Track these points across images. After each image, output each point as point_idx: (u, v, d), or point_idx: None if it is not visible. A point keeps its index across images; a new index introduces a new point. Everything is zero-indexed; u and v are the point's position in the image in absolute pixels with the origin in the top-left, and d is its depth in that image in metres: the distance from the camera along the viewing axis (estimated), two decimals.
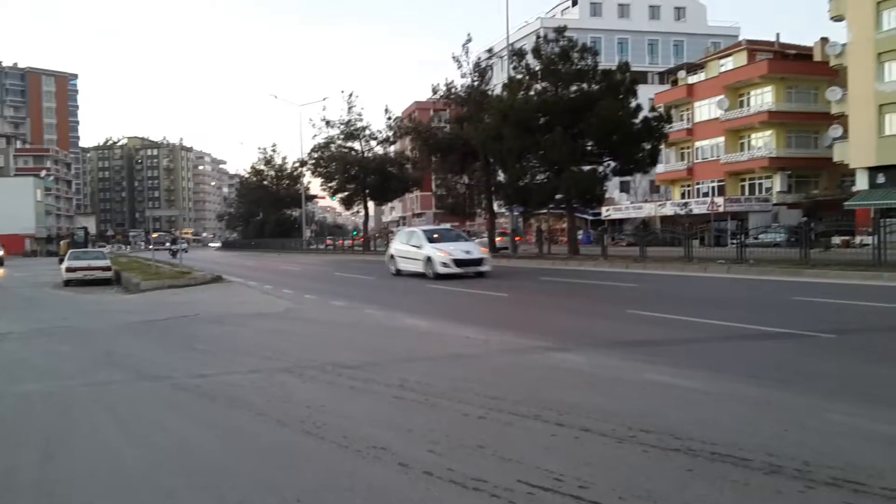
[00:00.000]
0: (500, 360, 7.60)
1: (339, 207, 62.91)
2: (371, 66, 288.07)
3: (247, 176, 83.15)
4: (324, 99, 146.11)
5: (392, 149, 56.30)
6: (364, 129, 52.92)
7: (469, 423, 4.95)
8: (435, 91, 39.53)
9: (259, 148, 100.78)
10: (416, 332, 9.90)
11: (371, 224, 72.99)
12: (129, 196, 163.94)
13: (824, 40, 47.58)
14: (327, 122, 52.76)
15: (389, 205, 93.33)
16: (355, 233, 67.71)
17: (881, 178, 39.31)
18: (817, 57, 49.30)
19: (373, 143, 53.32)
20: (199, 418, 5.52)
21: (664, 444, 4.29)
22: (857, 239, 25.85)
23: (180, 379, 6.93)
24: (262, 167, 77.34)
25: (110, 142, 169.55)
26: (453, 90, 38.68)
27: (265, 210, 76.71)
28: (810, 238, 20.58)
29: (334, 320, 11.73)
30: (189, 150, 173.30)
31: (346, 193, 54.94)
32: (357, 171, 52.33)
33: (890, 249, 18.28)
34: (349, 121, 52.61)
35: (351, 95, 52.72)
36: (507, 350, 8.15)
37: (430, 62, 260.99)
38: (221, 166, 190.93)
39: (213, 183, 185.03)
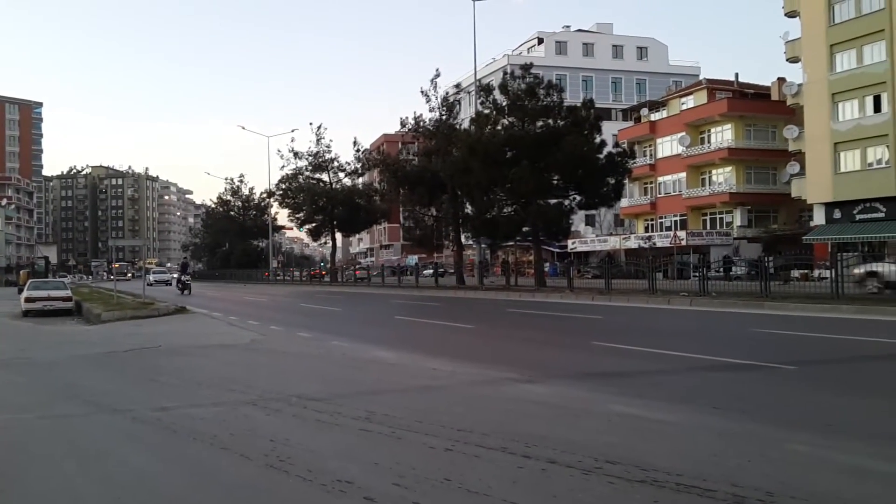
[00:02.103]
0: (467, 392, 7.58)
1: (306, 238, 62.52)
2: (340, 98, 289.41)
3: (213, 206, 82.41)
4: (292, 130, 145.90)
5: (360, 181, 56.45)
6: (333, 160, 53.04)
7: (435, 455, 4.91)
8: (403, 124, 39.88)
9: (226, 178, 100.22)
10: (384, 363, 9.84)
11: (339, 255, 72.67)
12: (93, 225, 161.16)
13: (781, 80, 49.16)
14: (296, 154, 52.79)
15: (357, 236, 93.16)
16: (323, 264, 67.35)
17: (837, 214, 40.45)
18: (775, 96, 50.88)
19: (341, 174, 53.44)
20: (159, 452, 5.40)
21: (630, 475, 4.31)
22: (816, 272, 26.46)
23: (141, 412, 6.78)
24: (229, 197, 76.83)
25: (74, 170, 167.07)
26: (422, 123, 39.07)
27: (231, 240, 76.00)
28: (769, 271, 21.00)
29: (300, 352, 11.61)
30: (154, 179, 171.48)
31: (314, 224, 54.77)
32: (325, 202, 52.27)
33: (847, 283, 18.75)
34: (318, 152, 52.70)
35: (320, 127, 52.93)
36: (474, 382, 8.13)
37: (400, 96, 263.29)
38: (187, 196, 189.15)
39: (178, 213, 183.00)
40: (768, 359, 9.05)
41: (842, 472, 4.41)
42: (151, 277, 56.16)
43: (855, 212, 39.39)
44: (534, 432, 5.45)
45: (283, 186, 54.95)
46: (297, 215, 55.10)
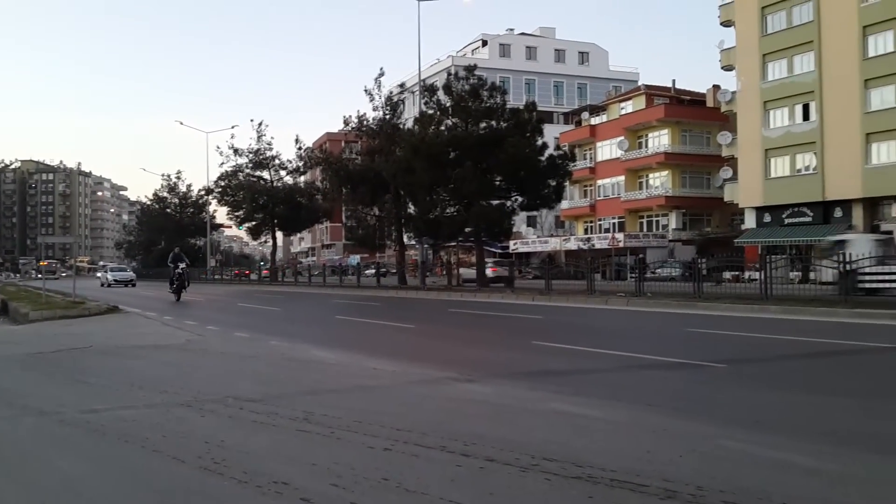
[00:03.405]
0: (406, 392, 7.57)
1: (246, 237, 61.44)
2: (283, 96, 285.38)
3: (148, 203, 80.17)
4: (232, 127, 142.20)
5: (302, 179, 55.78)
6: (274, 158, 52.26)
7: (374, 455, 4.89)
8: (347, 123, 39.61)
9: (163, 174, 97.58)
10: (323, 363, 9.74)
11: (279, 254, 71.59)
12: (21, 222, 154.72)
13: (716, 87, 50.72)
14: (235, 151, 51.82)
15: (298, 235, 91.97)
16: (263, 263, 66.29)
17: (767, 217, 42.00)
18: (710, 103, 52.45)
19: (282, 172, 52.70)
20: (88, 456, 5.22)
21: (566, 472, 4.37)
22: (746, 274, 27.42)
23: (70, 414, 6.54)
24: (166, 194, 74.89)
25: (2, 164, 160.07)
26: (365, 122, 38.87)
27: (167, 238, 73.98)
28: (702, 273, 21.64)
29: (237, 352, 11.39)
30: (87, 175, 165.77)
31: (254, 223, 53.85)
32: (265, 200, 51.47)
33: (775, 284, 19.47)
34: (258, 149, 51.85)
35: (261, 124, 52.09)
36: (413, 381, 8.13)
37: (344, 94, 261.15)
38: (122, 193, 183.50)
39: (112, 210, 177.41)
40: (700, 357, 9.32)
41: (768, 466, 4.56)
42: (110, 277, 49.80)
43: (784, 216, 40.96)
44: (473, 431, 5.47)
45: (223, 184, 53.88)
46: (236, 213, 54.10)
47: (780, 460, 4.67)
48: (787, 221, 40.73)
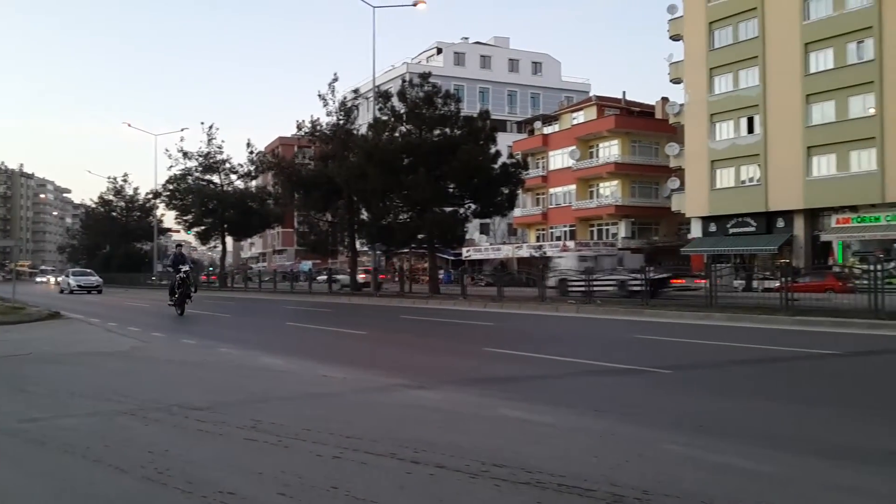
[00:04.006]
0: (357, 399, 7.52)
1: (194, 242, 60.31)
2: (235, 100, 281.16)
3: (94, 206, 78.03)
4: (182, 129, 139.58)
5: (254, 183, 55.03)
6: (224, 161, 51.44)
7: (323, 463, 4.84)
8: (300, 127, 39.29)
9: (109, 177, 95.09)
10: (273, 371, 9.61)
11: (229, 260, 70.46)
12: None
13: (665, 100, 51.94)
14: (185, 154, 50.84)
15: (249, 241, 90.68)
16: (212, 269, 65.11)
17: (713, 227, 43.08)
18: (658, 115, 53.71)
19: (233, 176, 51.90)
20: (25, 466, 5.04)
21: (515, 477, 4.40)
22: (693, 282, 28.04)
23: (6, 423, 6.31)
24: (111, 197, 73.04)
25: None
26: (319, 127, 38.60)
27: (113, 243, 72.20)
28: (648, 281, 22.04)
29: (184, 359, 11.16)
30: (29, 176, 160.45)
31: (203, 228, 52.88)
32: (215, 204, 50.59)
33: (720, 292, 19.98)
34: (209, 153, 50.98)
35: (211, 127, 51.22)
36: (364, 388, 8.09)
37: (297, 99, 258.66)
38: (66, 195, 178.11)
39: (55, 213, 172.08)
40: (647, 363, 9.50)
41: (710, 469, 4.67)
42: (72, 282, 45.07)
43: (728, 226, 42.08)
44: (423, 438, 5.47)
45: (171, 187, 52.79)
46: (184, 218, 53.03)
47: (721, 463, 4.79)
48: (731, 231, 41.85)
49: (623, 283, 25.01)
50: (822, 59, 37.90)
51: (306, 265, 63.93)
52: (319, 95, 37.77)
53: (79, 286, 43.67)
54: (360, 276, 40.93)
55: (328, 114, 38.41)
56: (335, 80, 38.02)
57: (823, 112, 37.86)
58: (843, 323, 15.15)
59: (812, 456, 5.01)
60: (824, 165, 37.87)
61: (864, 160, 36.31)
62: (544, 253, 49.81)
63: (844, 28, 36.69)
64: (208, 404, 6.97)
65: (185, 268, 20.43)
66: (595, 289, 24.00)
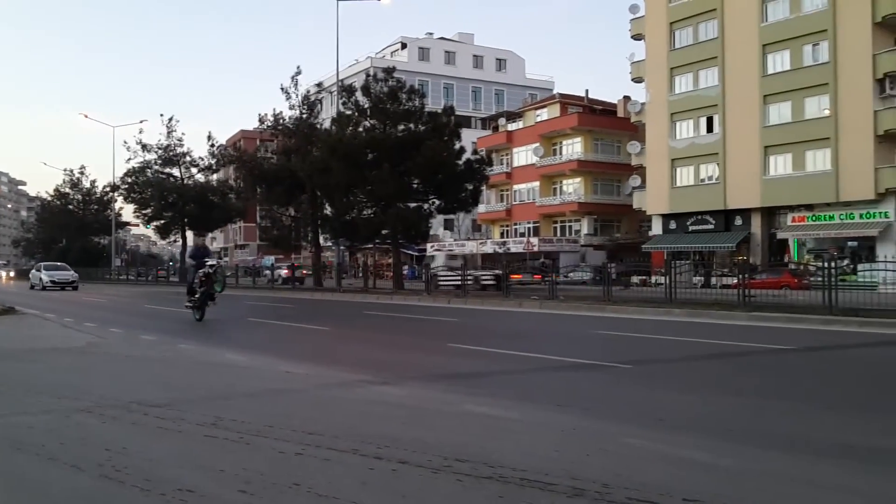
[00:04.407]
0: (320, 395, 7.48)
1: (154, 236, 59.22)
2: (197, 92, 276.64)
3: (50, 199, 76.12)
4: (141, 121, 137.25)
5: (215, 177, 54.30)
6: (184, 154, 50.63)
7: (285, 460, 4.80)
8: (262, 121, 38.83)
9: (65, 169, 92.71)
10: (235, 367, 9.49)
11: None
12: None
13: (626, 99, 52.51)
14: (144, 146, 49.95)
15: (210, 235, 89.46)
16: (172, 264, 64.04)
17: (673, 224, 43.77)
18: (620, 113, 54.29)
19: (194, 170, 51.15)
20: None
21: (478, 472, 4.41)
22: (653, 279, 28.47)
23: None
24: (68, 190, 71.34)
25: None
26: (281, 121, 38.20)
27: (69, 236, 70.51)
28: (612, 277, 22.34)
29: (143, 355, 10.96)
30: None
31: (163, 221, 52.00)
32: (175, 198, 49.78)
33: (679, 288, 20.31)
34: (168, 145, 50.14)
35: (171, 119, 50.37)
36: (328, 384, 8.04)
37: (260, 93, 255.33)
38: (21, 188, 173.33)
39: (9, 205, 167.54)
40: (608, 358, 9.63)
41: (669, 462, 4.74)
42: (45, 277, 40.98)
43: (688, 223, 42.78)
44: (386, 434, 5.46)
45: (130, 180, 51.79)
46: (143, 211, 52.10)
47: (681, 457, 4.87)
48: (691, 228, 42.57)
49: (477, 279, 30.52)
50: (780, 61, 38.73)
51: (268, 260, 63.28)
52: (282, 89, 37.46)
53: (52, 282, 40.14)
54: (285, 272, 42.17)
55: (291, 107, 38.08)
56: (298, 73, 37.71)
57: (780, 112, 38.70)
58: (797, 319, 15.52)
59: (768, 449, 5.11)
60: (781, 165, 38.73)
61: (819, 160, 37.22)
62: (508, 249, 50.11)
63: (801, 31, 37.54)
64: (168, 401, 6.86)
65: (212, 262, 16.69)
66: (458, 284, 28.99)
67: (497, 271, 29.60)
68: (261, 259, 71.21)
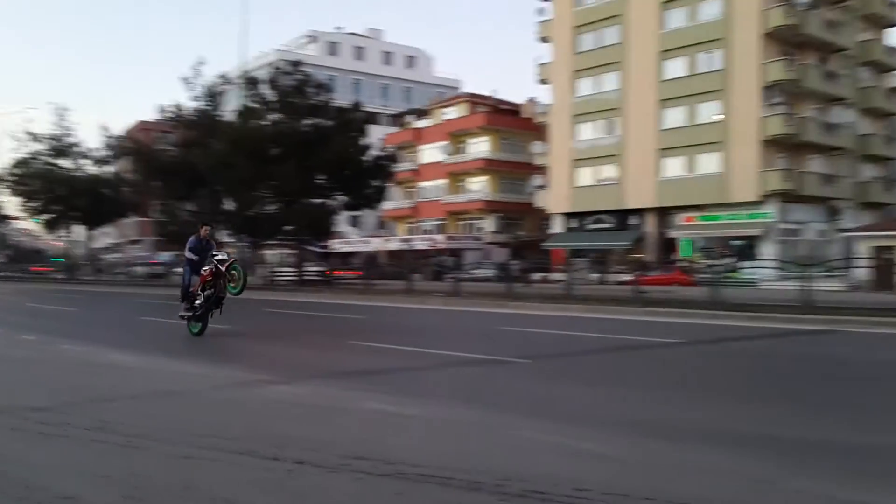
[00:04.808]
0: (216, 396, 7.25)
1: (40, 230, 55.82)
2: (92, 81, 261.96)
3: None
4: (27, 109, 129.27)
5: (110, 169, 51.68)
6: (75, 145, 47.96)
7: (176, 463, 4.64)
8: (162, 112, 37.27)
9: None
10: (123, 367, 9.08)
11: (81, 250, 65.88)
12: None
13: (532, 100, 53.66)
14: (32, 136, 46.96)
15: (103, 230, 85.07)
16: (57, 259, 60.59)
17: (573, 223, 45.11)
18: (526, 114, 55.36)
19: (85, 161, 48.49)
20: None
21: (377, 470, 4.40)
22: (554, 276, 29.26)
23: None
24: None
25: None
26: (182, 112, 36.78)
27: None
28: (514, 274, 22.85)
29: (24, 357, 10.31)
30: None
31: (51, 216, 49.06)
32: (64, 191, 47.06)
33: (578, 285, 20.98)
34: (59, 135, 47.36)
35: (61, 107, 47.59)
36: (224, 385, 7.81)
37: (165, 84, 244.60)
38: None
39: None
40: (509, 354, 9.81)
41: (565, 454, 4.89)
42: None
43: (588, 222, 44.20)
44: (285, 433, 5.37)
45: (17, 171, 48.55)
46: (30, 204, 49.00)
47: (575, 448, 5.03)
48: (590, 227, 43.99)
49: (301, 274, 34.27)
50: (675, 67, 40.55)
51: (165, 257, 60.87)
52: (183, 79, 36.04)
53: None
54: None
55: (193, 98, 36.70)
56: (200, 62, 36.42)
57: (675, 117, 40.54)
58: (687, 314, 16.32)
59: (655, 437, 5.36)
60: (673, 167, 40.57)
61: (710, 163, 39.23)
62: (414, 246, 50.28)
63: (696, 39, 39.45)
64: (50, 405, 6.49)
65: (221, 255, 12.30)
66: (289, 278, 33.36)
67: (321, 267, 35.17)
68: (156, 255, 68.41)
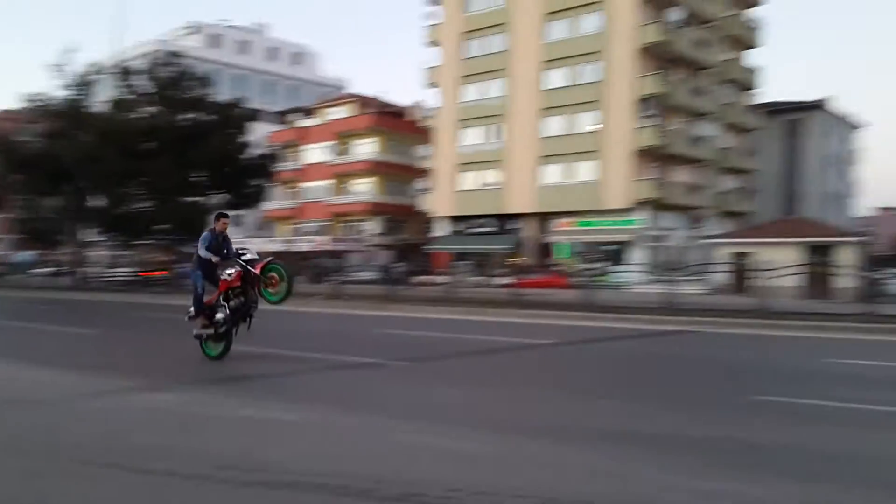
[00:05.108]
0: (79, 405, 6.88)
1: None
2: None
3: None
4: None
5: None
6: None
7: (30, 479, 4.39)
8: (27, 101, 34.67)
9: None
10: None
11: None
12: None
13: (419, 103, 54.07)
14: None
15: None
16: None
17: (457, 227, 45.85)
18: (413, 117, 55.66)
19: None
20: None
21: (249, 478, 4.37)
22: (435, 278, 29.65)
23: None
24: None
25: None
26: (49, 102, 34.35)
27: None
28: (396, 277, 22.98)
29: None
30: None
31: None
32: None
33: (459, 288, 21.40)
34: None
35: None
36: (89, 393, 7.43)
37: (27, 69, 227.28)
38: None
39: None
40: (388, 357, 9.92)
41: (438, 455, 5.02)
42: None
43: (470, 226, 45.06)
44: (154, 443, 5.22)
45: None
46: None
47: (448, 449, 5.18)
48: (472, 231, 44.85)
49: (114, 276, 35.93)
50: (555, 78, 42.05)
51: (25, 255, 56.67)
52: (51, 66, 33.69)
53: None
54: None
55: (61, 87, 34.39)
56: (70, 49, 34.18)
57: (555, 125, 42.04)
58: (562, 315, 17.03)
59: (525, 436, 5.61)
60: (552, 174, 42.07)
61: (587, 171, 40.96)
62: (297, 247, 49.42)
63: (577, 50, 41.08)
64: None
65: (249, 254, 9.78)
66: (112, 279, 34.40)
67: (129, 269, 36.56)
68: (15, 254, 63.57)
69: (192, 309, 9.87)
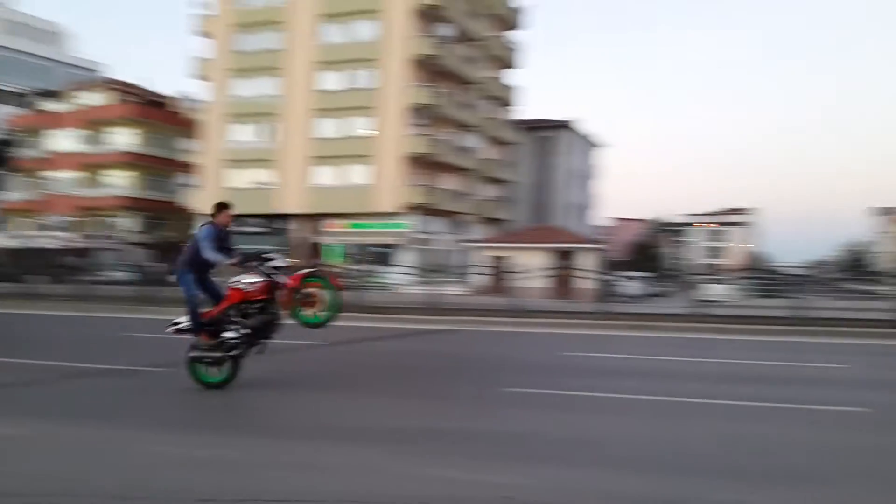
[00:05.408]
0: None
1: None
2: None
3: None
4: None
5: None
6: None
7: None
8: None
9: None
10: None
11: None
12: None
13: (185, 95, 51.16)
14: None
15: None
16: None
17: None
18: (178, 109, 52.53)
19: None
20: None
21: None
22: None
23: None
24: None
25: None
26: None
27: None
28: (153, 277, 21.61)
29: None
30: None
31: None
32: None
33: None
34: None
35: None
36: None
37: None
38: None
39: None
40: (138, 363, 9.38)
41: (191, 465, 4.87)
42: None
43: (239, 225, 43.45)
44: None
45: None
46: None
47: (207, 458, 5.04)
48: (240, 230, 43.36)
49: None
50: (328, 80, 42.08)
51: None
52: None
53: None
54: None
55: None
56: None
57: (328, 127, 42.07)
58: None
59: (286, 439, 5.64)
60: (323, 175, 42.08)
61: (359, 174, 41.49)
62: (40, 244, 44.48)
63: (351, 55, 41.43)
64: None
65: (278, 260, 7.69)
66: None
67: None
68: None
69: (180, 320, 7.85)
